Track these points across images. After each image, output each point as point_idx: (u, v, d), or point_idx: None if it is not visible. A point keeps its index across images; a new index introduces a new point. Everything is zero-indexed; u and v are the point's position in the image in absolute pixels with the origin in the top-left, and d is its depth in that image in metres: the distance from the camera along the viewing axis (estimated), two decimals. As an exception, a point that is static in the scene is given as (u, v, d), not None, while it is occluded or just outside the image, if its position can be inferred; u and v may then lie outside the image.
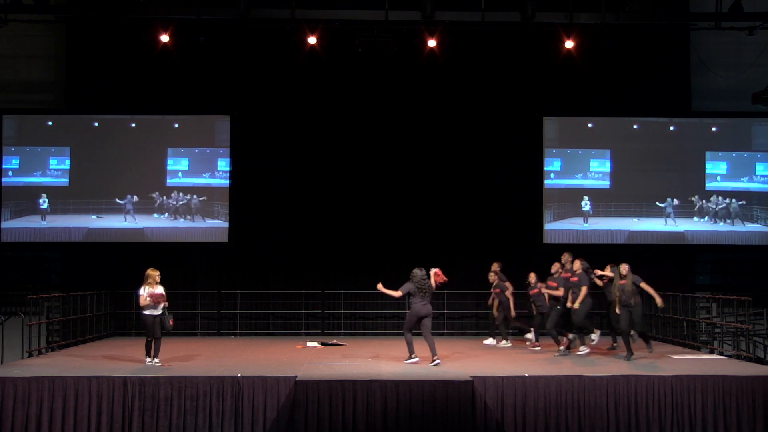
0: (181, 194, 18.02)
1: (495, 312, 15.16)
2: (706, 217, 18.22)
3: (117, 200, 17.90)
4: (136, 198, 17.99)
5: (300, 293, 17.97)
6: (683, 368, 12.04)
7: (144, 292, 12.13)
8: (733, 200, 18.24)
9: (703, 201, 18.23)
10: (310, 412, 10.65)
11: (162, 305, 12.19)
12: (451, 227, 18.29)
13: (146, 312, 12.13)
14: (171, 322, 12.34)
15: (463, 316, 17.66)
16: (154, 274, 12.22)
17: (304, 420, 10.64)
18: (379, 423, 10.64)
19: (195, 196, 18.10)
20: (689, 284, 18.20)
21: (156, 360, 12.17)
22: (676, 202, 18.24)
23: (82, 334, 16.06)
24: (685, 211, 18.28)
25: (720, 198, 18.24)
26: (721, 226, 18.21)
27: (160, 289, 12.20)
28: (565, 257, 14.30)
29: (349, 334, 17.62)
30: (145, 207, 18.03)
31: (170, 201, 18.00)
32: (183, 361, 13.04)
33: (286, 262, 18.22)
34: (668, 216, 18.21)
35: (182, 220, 17.98)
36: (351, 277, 17.86)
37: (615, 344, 14.27)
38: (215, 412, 10.85)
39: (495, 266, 15.19)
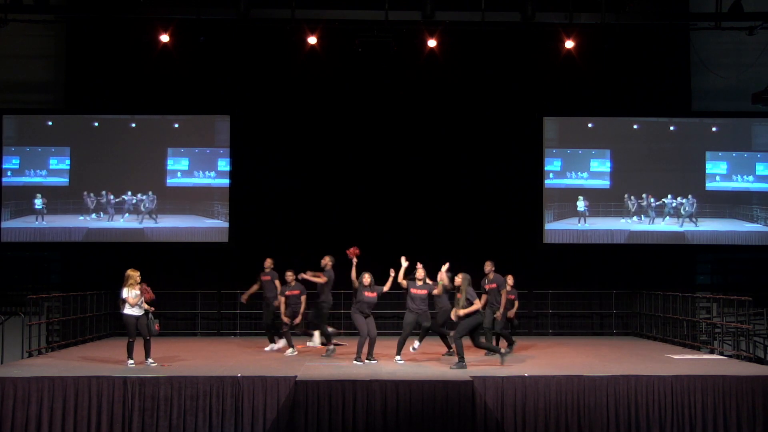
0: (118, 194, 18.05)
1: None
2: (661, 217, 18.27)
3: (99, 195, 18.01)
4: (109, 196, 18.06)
5: (300, 293, 17.92)
6: (683, 368, 12.05)
7: (127, 293, 12.03)
8: (688, 197, 18.22)
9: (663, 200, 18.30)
10: (310, 412, 10.66)
11: (144, 306, 12.14)
12: (451, 227, 18.28)
13: (128, 312, 12.05)
14: (157, 327, 12.25)
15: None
16: (134, 274, 12.12)
17: (304, 420, 10.66)
18: (379, 423, 10.65)
19: (150, 193, 18.02)
20: (689, 284, 18.20)
21: (150, 360, 12.12)
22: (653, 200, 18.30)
23: (82, 334, 16.06)
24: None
25: (672, 197, 18.27)
26: (719, 226, 18.25)
27: (137, 293, 12.09)
28: (488, 266, 13.96)
29: (349, 334, 17.58)
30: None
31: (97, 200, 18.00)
32: (183, 361, 13.03)
33: (286, 261, 18.15)
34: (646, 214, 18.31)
35: (119, 220, 18.03)
36: (350, 277, 17.80)
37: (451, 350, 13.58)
38: (215, 412, 10.85)
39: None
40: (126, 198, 18.01)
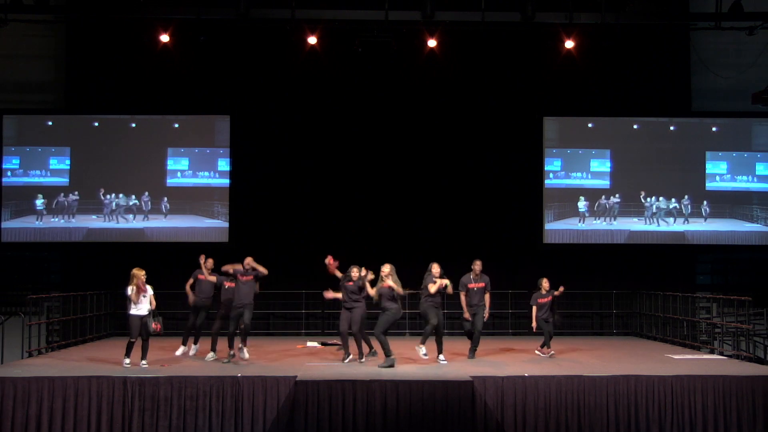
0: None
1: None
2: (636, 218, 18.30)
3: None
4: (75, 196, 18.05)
5: (300, 293, 17.95)
6: (683, 368, 12.05)
7: (132, 291, 12.00)
8: (661, 198, 18.24)
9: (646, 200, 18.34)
10: (310, 412, 10.66)
11: (147, 307, 12.10)
12: (451, 227, 18.29)
13: (133, 312, 12.01)
14: (156, 326, 12.16)
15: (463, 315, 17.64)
16: (139, 273, 12.09)
17: (304, 420, 10.65)
18: (379, 423, 10.65)
19: (73, 194, 17.98)
20: (689, 284, 18.21)
21: (144, 362, 12.07)
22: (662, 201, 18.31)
23: (82, 334, 16.07)
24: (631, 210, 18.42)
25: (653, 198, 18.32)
26: (717, 226, 18.26)
27: (148, 291, 12.09)
28: (478, 266, 13.44)
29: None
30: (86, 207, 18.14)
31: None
32: (183, 361, 13.02)
33: (286, 262, 18.19)
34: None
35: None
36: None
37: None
38: (215, 412, 10.85)
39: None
40: (109, 199, 18.05)
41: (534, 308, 13.65)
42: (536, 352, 13.86)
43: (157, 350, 13.70)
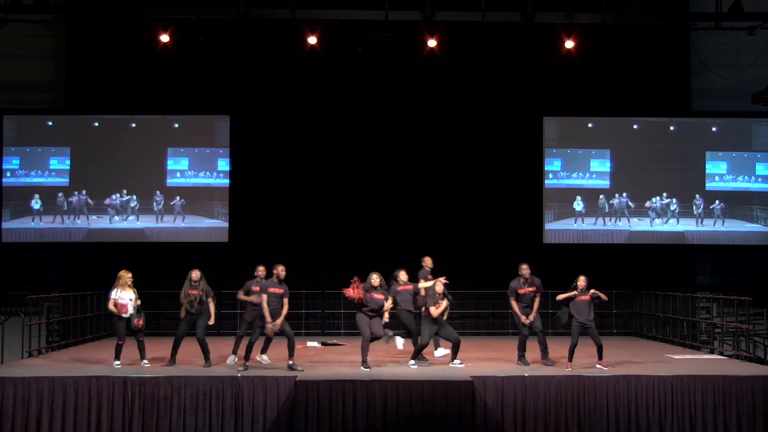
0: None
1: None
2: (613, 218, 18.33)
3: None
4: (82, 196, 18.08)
5: (300, 293, 17.90)
6: (683, 368, 12.05)
7: (116, 295, 11.99)
8: (623, 195, 18.28)
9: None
10: (310, 412, 10.67)
11: (136, 305, 12.09)
12: (451, 227, 18.30)
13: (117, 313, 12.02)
14: (138, 322, 12.08)
15: (464, 316, 17.66)
16: (125, 276, 12.08)
17: (304, 420, 10.66)
18: (379, 423, 10.65)
19: (158, 192, 18.06)
20: (689, 284, 18.20)
21: (145, 361, 12.09)
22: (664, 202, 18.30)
23: (82, 334, 16.07)
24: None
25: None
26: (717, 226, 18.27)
27: (128, 294, 12.03)
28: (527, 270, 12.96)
29: (349, 334, 17.60)
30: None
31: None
32: (183, 361, 13.01)
33: (286, 261, 18.10)
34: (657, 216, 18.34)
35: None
36: (351, 277, 17.78)
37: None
38: (215, 412, 10.85)
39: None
40: (113, 199, 18.08)
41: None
42: (597, 366, 12.07)
43: (162, 350, 13.67)
